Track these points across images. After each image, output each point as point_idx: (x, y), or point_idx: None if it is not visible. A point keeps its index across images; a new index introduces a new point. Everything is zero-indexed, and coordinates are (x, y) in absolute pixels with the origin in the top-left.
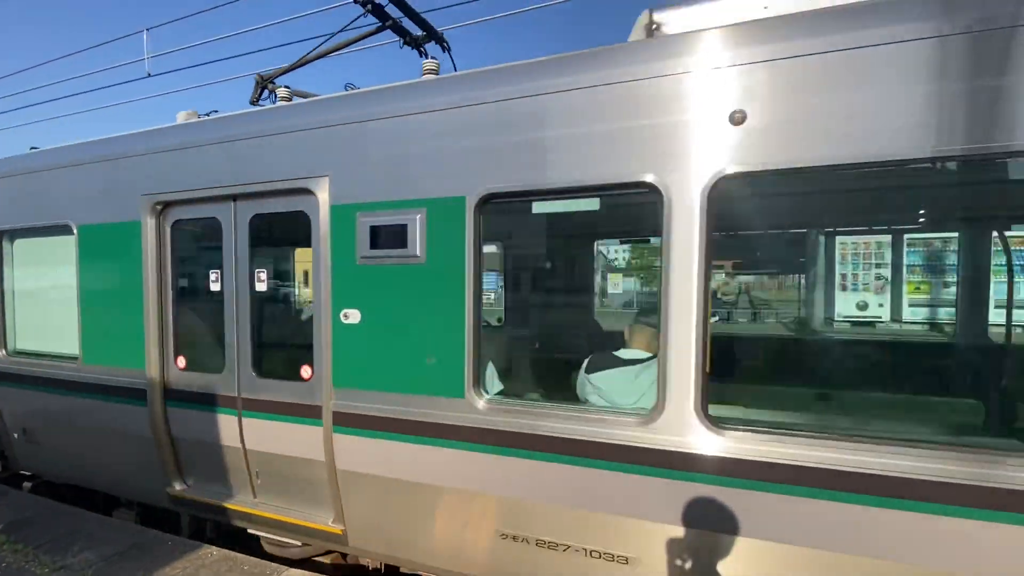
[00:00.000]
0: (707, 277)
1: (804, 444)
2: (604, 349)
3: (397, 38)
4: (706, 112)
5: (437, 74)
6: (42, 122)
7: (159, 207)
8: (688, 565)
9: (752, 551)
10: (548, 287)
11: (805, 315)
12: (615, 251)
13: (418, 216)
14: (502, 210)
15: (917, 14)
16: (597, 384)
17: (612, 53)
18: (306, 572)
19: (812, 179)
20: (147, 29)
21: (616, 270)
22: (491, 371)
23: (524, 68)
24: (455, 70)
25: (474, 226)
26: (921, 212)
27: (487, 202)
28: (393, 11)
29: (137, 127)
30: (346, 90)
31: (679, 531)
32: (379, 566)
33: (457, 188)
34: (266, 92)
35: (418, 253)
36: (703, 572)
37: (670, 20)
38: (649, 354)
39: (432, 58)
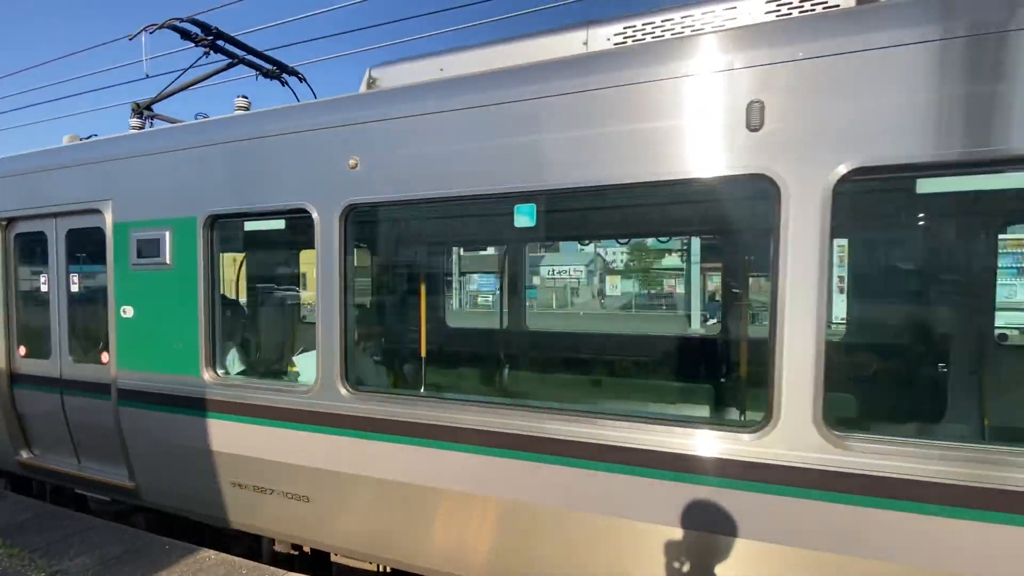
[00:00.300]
0: (345, 281)
1: (412, 404)
2: None
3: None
4: (336, 159)
5: (248, 110)
6: (43, 122)
7: (4, 223)
8: (342, 499)
9: (379, 486)
10: (287, 289)
11: (442, 311)
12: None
13: (167, 232)
14: (226, 227)
15: (442, 94)
16: (296, 364)
17: (288, 110)
18: None
19: (405, 209)
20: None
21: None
22: (234, 355)
23: (238, 118)
24: (315, 98)
25: (204, 240)
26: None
27: (214, 221)
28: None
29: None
30: (196, 119)
31: (335, 474)
32: (380, 568)
33: (192, 210)
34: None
35: (168, 261)
36: (353, 504)
37: (383, 76)
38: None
39: (244, 96)
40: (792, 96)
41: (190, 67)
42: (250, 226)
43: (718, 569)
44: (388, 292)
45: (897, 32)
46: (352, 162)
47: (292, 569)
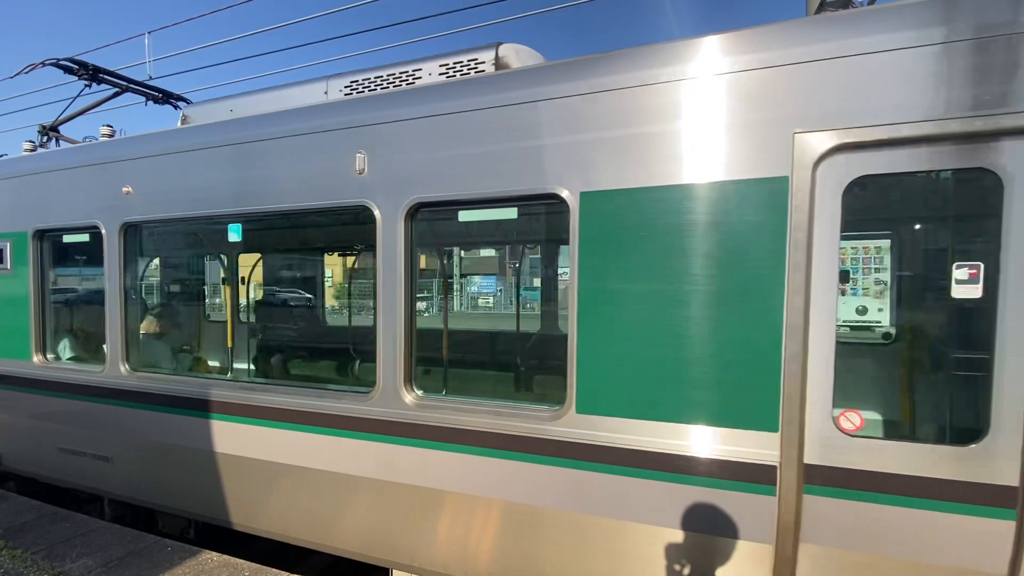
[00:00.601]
0: (124, 282)
1: (165, 381)
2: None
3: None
4: (116, 187)
5: (112, 137)
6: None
7: None
8: (131, 459)
9: (154, 447)
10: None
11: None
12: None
13: (8, 243)
14: (53, 238)
15: (176, 140)
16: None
17: (85, 147)
18: None
19: (167, 225)
20: (148, 32)
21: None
22: (65, 343)
23: (54, 152)
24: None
25: (33, 249)
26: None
27: (41, 234)
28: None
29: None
30: (83, 141)
31: (129, 439)
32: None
33: (24, 226)
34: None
35: (8, 267)
36: (139, 462)
37: (192, 115)
38: (143, 332)
39: (109, 125)
40: (380, 150)
41: (77, 96)
42: (68, 238)
43: (341, 498)
44: (156, 290)
45: (434, 106)
46: (127, 190)
47: (294, 571)
